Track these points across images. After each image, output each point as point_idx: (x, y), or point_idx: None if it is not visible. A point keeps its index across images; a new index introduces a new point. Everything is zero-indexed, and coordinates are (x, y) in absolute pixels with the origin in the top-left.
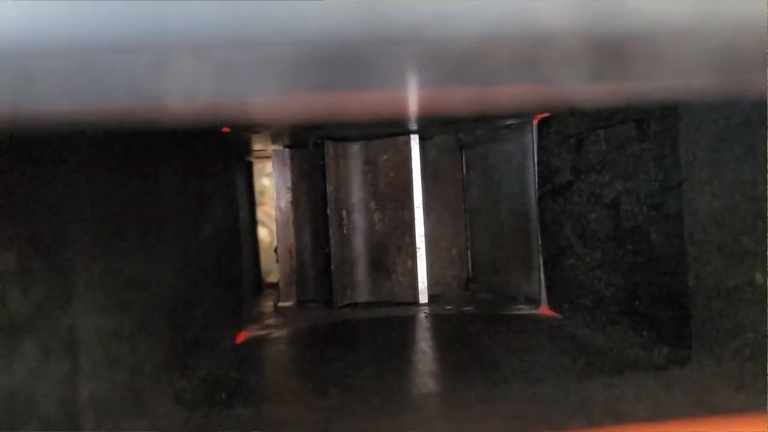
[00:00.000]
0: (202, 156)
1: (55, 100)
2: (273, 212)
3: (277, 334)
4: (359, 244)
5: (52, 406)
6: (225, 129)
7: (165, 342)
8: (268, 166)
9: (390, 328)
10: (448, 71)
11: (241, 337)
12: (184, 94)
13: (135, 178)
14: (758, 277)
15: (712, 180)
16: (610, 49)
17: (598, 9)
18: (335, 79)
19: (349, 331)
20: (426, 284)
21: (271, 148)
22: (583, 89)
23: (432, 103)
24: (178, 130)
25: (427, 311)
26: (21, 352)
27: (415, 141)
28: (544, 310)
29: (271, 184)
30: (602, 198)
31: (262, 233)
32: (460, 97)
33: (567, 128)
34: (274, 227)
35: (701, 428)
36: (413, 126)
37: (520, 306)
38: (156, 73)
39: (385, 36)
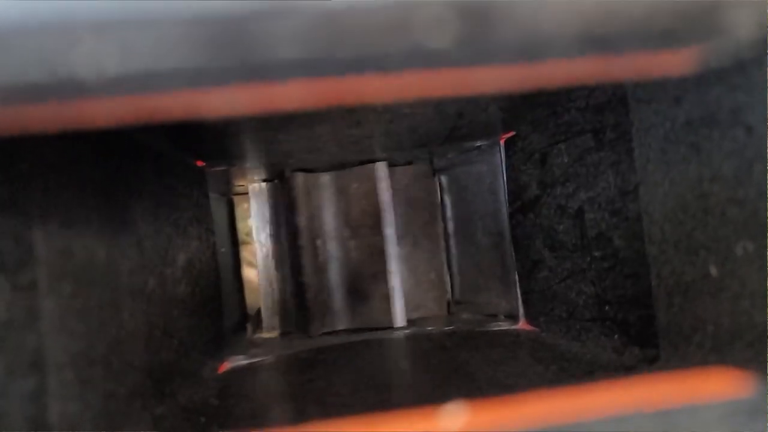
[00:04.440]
0: (177, 189)
1: None
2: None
3: (259, 362)
4: (334, 273)
5: (19, 421)
6: (199, 163)
7: (140, 368)
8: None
9: (370, 349)
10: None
11: (223, 367)
12: (95, 75)
13: (103, 201)
14: (712, 270)
15: (664, 180)
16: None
17: None
18: (236, 69)
19: (331, 355)
20: (403, 309)
21: (249, 184)
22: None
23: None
24: (147, 159)
25: (408, 332)
26: None
27: (385, 168)
28: (523, 324)
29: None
30: (568, 209)
31: (250, 273)
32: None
33: (531, 144)
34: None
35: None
36: (384, 153)
37: (500, 323)
38: (66, 54)
39: (262, 8)
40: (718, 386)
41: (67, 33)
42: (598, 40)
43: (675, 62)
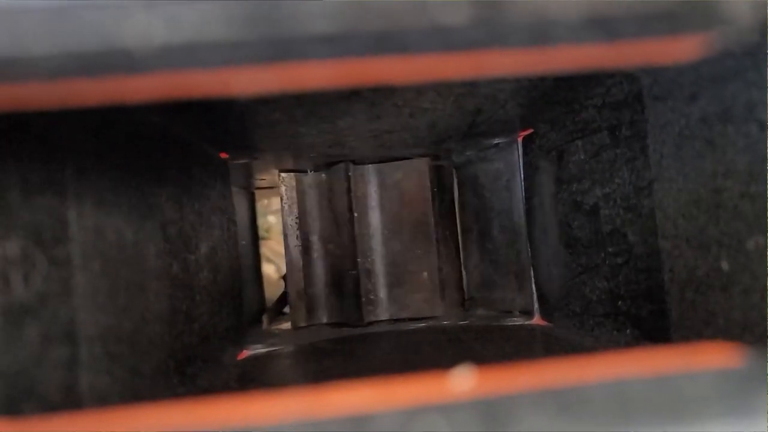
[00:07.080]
0: (201, 179)
1: (39, 50)
2: (278, 248)
3: (277, 351)
4: (347, 266)
5: (53, 389)
6: (223, 155)
7: (164, 349)
8: (274, 202)
9: (386, 340)
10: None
11: (243, 355)
12: (143, 47)
13: (132, 185)
14: (724, 264)
15: (678, 176)
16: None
17: None
18: (274, 47)
19: (347, 346)
20: (415, 304)
21: (278, 174)
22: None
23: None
24: (174, 149)
25: (423, 326)
26: (23, 336)
27: (424, 164)
28: (537, 320)
29: (276, 221)
30: (583, 205)
31: (269, 269)
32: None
33: (548, 142)
34: (280, 263)
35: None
36: (404, 148)
37: (515, 318)
38: (118, 26)
39: None
40: (713, 357)
41: (119, 5)
42: (605, 24)
43: (681, 48)
